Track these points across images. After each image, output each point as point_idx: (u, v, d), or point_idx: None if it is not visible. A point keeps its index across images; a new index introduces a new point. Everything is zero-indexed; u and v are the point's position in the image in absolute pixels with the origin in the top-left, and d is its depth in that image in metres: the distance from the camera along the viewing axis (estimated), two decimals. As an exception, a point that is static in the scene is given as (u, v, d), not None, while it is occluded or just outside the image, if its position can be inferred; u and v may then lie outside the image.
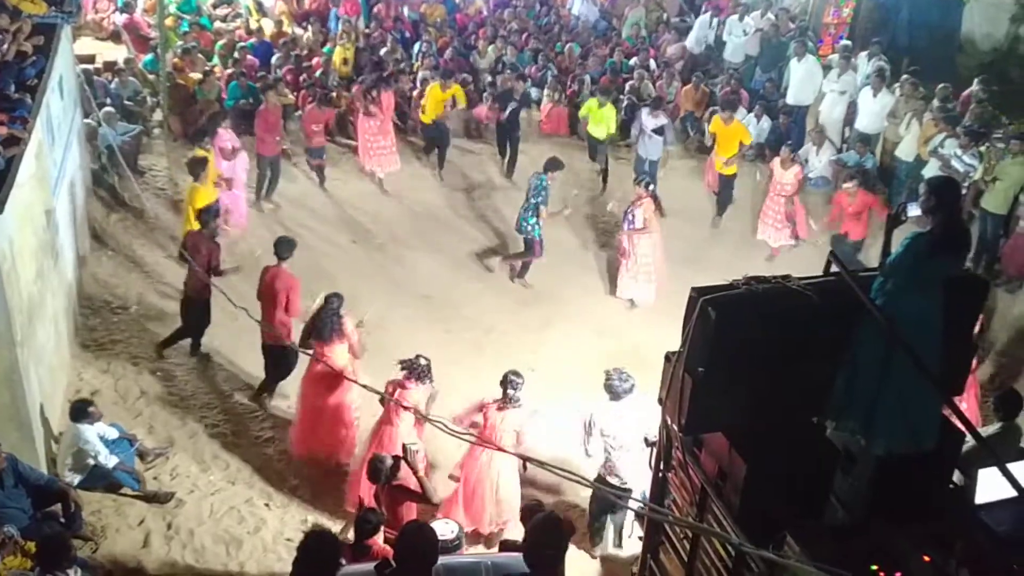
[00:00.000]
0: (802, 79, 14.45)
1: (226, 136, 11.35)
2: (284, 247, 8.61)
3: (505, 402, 7.42)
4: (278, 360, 8.85)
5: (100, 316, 9.95)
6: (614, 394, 7.18)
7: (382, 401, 7.48)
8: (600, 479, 7.30)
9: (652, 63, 16.18)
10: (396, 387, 7.50)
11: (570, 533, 4.85)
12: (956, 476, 5.27)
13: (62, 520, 6.98)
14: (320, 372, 8.08)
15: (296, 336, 8.40)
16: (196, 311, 9.35)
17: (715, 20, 16.69)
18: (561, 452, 8.05)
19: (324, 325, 8.01)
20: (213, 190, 10.27)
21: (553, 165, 10.98)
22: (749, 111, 14.32)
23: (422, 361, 7.53)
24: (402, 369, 7.52)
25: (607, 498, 7.23)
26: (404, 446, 6.74)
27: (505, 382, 7.42)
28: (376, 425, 7.74)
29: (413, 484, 6.68)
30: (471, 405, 7.66)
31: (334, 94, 13.97)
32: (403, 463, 6.70)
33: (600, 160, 13.73)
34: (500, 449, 6.99)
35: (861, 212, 10.77)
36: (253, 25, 16.00)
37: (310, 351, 8.03)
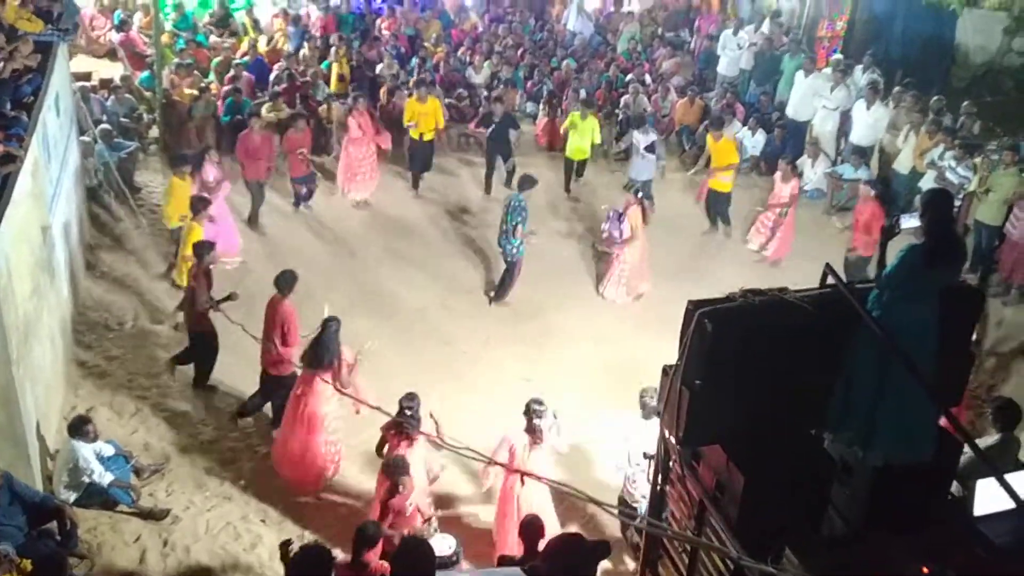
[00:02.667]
0: (804, 94, 14.50)
1: (211, 170, 11.08)
2: (283, 281, 8.48)
3: (533, 436, 7.20)
4: (269, 389, 8.82)
5: (96, 333, 9.93)
6: (647, 411, 7.19)
7: (381, 438, 7.47)
8: (622, 499, 7.38)
9: (647, 77, 16.25)
10: (401, 440, 7.39)
11: (600, 553, 4.66)
12: (954, 487, 5.26)
13: (58, 538, 6.94)
14: (302, 401, 8.05)
15: (295, 366, 8.38)
16: (198, 343, 9.32)
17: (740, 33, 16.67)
18: (568, 466, 8.07)
19: (323, 351, 7.96)
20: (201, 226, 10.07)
21: (527, 183, 10.93)
22: (744, 124, 14.38)
23: (407, 412, 7.31)
24: (390, 430, 7.40)
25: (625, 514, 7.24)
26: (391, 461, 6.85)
27: (529, 412, 7.22)
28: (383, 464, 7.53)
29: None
30: (499, 442, 7.40)
31: (322, 107, 13.93)
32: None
33: (572, 174, 13.78)
34: (526, 473, 6.91)
35: (870, 225, 10.71)
36: (249, 43, 16.02)
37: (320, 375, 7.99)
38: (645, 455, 6.87)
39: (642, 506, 7.18)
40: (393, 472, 6.86)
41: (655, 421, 7.08)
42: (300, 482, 8.26)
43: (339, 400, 8.09)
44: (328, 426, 8.20)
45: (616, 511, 6.90)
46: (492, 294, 11.31)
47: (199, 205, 10.00)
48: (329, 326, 8.00)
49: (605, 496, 7.83)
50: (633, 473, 7.27)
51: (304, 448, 8.14)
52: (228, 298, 9.03)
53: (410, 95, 13.97)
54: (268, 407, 8.97)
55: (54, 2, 10.62)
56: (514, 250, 10.90)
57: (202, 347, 9.28)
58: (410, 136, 13.42)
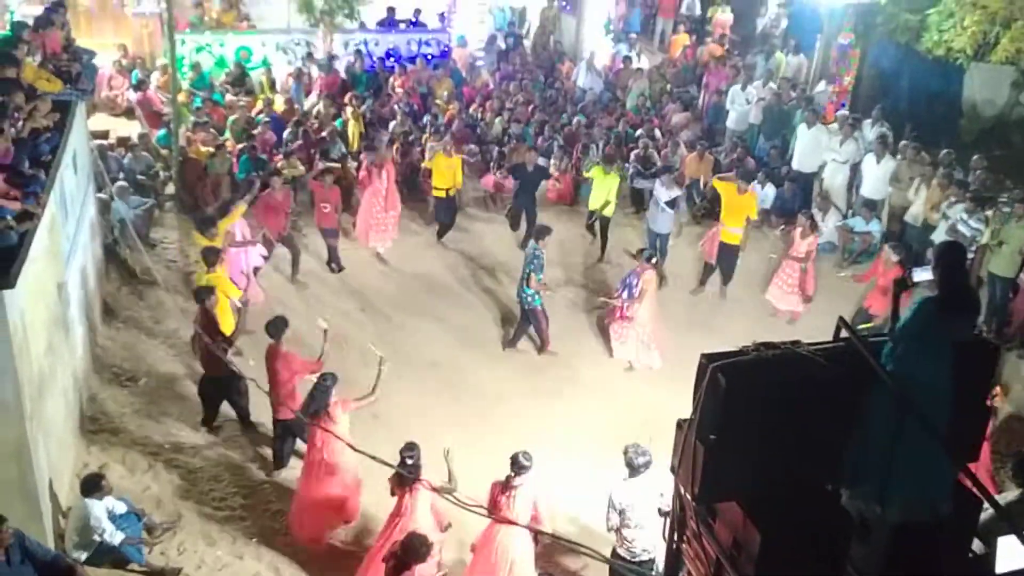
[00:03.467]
0: (808, 146, 14.60)
1: (236, 225, 11.23)
2: (273, 328, 8.77)
3: (508, 486, 7.32)
4: (284, 433, 8.90)
5: (110, 389, 9.96)
6: (633, 469, 7.16)
7: (393, 493, 7.47)
8: (615, 554, 7.26)
9: (657, 132, 16.40)
10: (405, 491, 7.43)
11: None
12: (975, 545, 5.18)
13: (68, 597, 6.90)
14: (317, 457, 8.09)
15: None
16: (212, 387, 9.42)
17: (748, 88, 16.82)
18: (579, 523, 7.98)
19: (316, 402, 8.02)
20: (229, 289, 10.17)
21: (542, 233, 11.04)
22: (753, 179, 14.46)
23: (408, 462, 7.36)
24: (396, 480, 7.43)
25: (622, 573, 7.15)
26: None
27: (513, 463, 7.32)
28: (390, 516, 7.60)
29: None
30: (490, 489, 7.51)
31: (338, 163, 14.08)
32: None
33: (597, 229, 13.74)
34: (512, 523, 6.97)
35: (888, 288, 10.65)
36: (264, 101, 16.25)
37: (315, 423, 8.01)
38: (660, 512, 6.80)
39: (643, 561, 7.11)
40: (409, 554, 6.74)
41: (639, 478, 7.14)
42: (312, 532, 8.23)
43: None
44: (344, 475, 8.18)
45: (620, 566, 6.84)
46: (538, 350, 11.41)
47: (211, 257, 9.98)
48: (325, 380, 8.10)
49: (592, 544, 7.83)
50: (633, 536, 7.17)
51: (330, 499, 8.16)
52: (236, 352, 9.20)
53: (423, 149, 14.18)
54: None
55: (73, 62, 10.86)
56: (530, 299, 10.96)
57: (212, 392, 9.43)
58: (434, 195, 13.58)
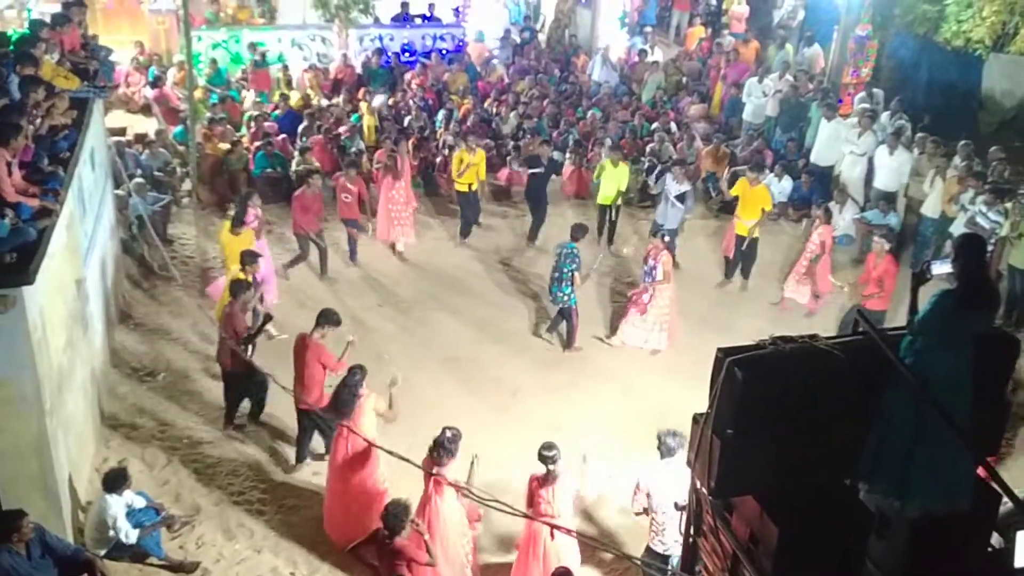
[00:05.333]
0: (828, 139, 14.52)
1: (252, 213, 11.17)
2: (323, 318, 8.71)
3: (547, 479, 7.28)
4: (310, 425, 8.89)
5: (128, 384, 10.02)
6: (667, 449, 7.20)
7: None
8: (648, 550, 7.32)
9: (672, 125, 16.34)
10: (432, 464, 7.39)
11: None
12: (995, 539, 5.14)
13: (88, 591, 6.96)
14: (346, 453, 8.03)
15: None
16: (232, 382, 9.43)
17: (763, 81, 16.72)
18: (600, 516, 7.99)
19: (344, 400, 7.99)
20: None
21: (580, 232, 11.08)
22: (770, 171, 14.39)
23: (448, 434, 7.37)
24: (431, 451, 7.40)
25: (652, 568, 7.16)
26: (414, 521, 6.89)
27: (542, 458, 7.27)
28: (420, 503, 7.56)
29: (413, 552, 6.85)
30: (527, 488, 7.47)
31: (359, 159, 14.10)
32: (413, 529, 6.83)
33: (606, 220, 13.70)
34: (547, 522, 7.00)
35: (883, 279, 10.61)
36: (280, 97, 16.29)
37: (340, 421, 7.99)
38: (676, 506, 6.79)
39: (673, 555, 7.10)
40: (390, 521, 6.83)
41: (670, 461, 7.13)
42: (366, 530, 8.18)
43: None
44: (372, 474, 8.16)
45: (640, 562, 6.84)
46: (564, 347, 11.37)
47: (248, 259, 9.93)
48: (353, 374, 8.04)
49: (632, 545, 7.82)
50: (663, 522, 7.18)
51: (366, 495, 8.09)
52: (263, 326, 9.23)
53: (438, 144, 14.18)
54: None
55: (90, 60, 10.92)
56: (566, 298, 10.99)
57: (232, 388, 9.43)
58: (457, 190, 13.56)
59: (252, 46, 17.38)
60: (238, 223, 10.65)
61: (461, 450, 7.47)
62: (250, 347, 9.26)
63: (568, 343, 11.38)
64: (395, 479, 8.15)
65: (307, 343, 8.63)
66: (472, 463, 7.45)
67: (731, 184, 13.56)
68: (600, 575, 8.07)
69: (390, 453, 6.71)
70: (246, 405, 9.56)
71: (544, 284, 11.71)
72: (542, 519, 7.11)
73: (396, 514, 6.86)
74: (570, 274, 10.84)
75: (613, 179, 13.27)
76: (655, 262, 10.97)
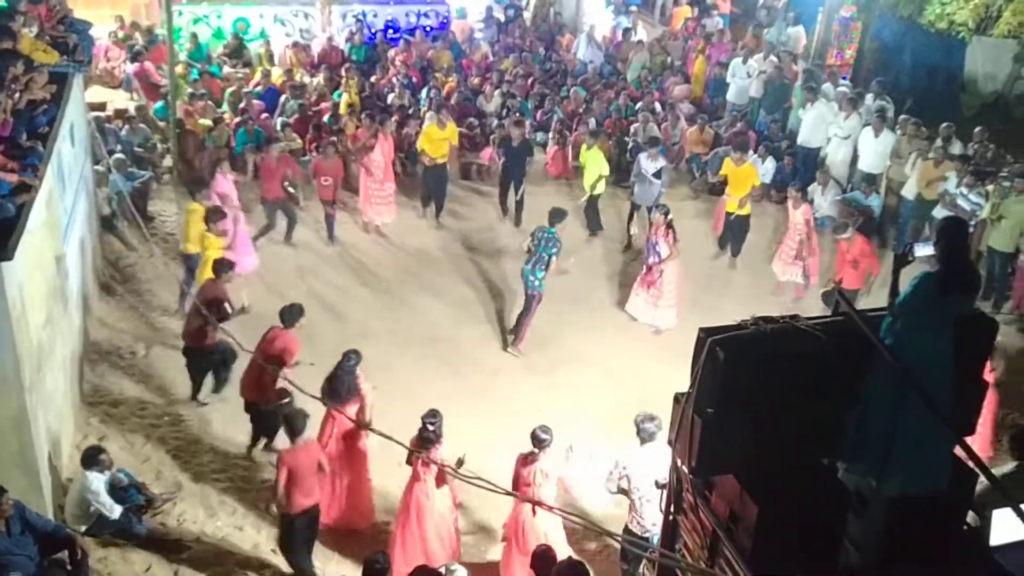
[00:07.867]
0: (814, 121, 14.52)
1: (223, 182, 11.21)
2: (288, 314, 8.61)
3: (529, 460, 7.31)
4: (261, 417, 8.83)
5: (108, 361, 9.97)
6: (647, 434, 7.19)
7: (408, 460, 7.40)
8: (626, 529, 7.32)
9: (657, 105, 16.31)
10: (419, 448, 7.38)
11: None
12: (970, 517, 5.20)
13: (68, 568, 6.94)
14: (335, 438, 8.01)
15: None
16: (195, 359, 9.38)
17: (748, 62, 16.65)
18: (591, 495, 8.10)
19: (340, 384, 7.95)
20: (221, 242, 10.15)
21: (557, 217, 10.76)
22: (754, 152, 14.40)
23: (429, 427, 7.35)
24: (417, 440, 7.39)
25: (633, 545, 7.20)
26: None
27: (534, 439, 7.28)
28: (407, 484, 7.57)
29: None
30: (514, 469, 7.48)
31: (336, 138, 13.96)
32: None
33: (591, 209, 13.59)
34: (529, 500, 7.01)
35: (858, 260, 10.67)
36: (262, 73, 16.15)
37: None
38: (657, 484, 6.82)
39: (653, 536, 7.14)
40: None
41: (651, 446, 7.14)
42: (352, 516, 8.25)
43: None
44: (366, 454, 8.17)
45: (621, 539, 6.88)
46: (511, 337, 11.10)
47: (214, 216, 9.96)
48: (348, 359, 8.01)
49: (611, 526, 7.85)
50: (641, 504, 7.21)
51: (356, 480, 8.13)
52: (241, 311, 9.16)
53: (421, 122, 14.08)
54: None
55: (69, 33, 10.77)
56: (538, 283, 10.69)
57: (196, 365, 9.42)
58: (423, 162, 13.41)
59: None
60: (199, 187, 10.73)
61: (445, 434, 7.51)
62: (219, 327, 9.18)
63: (515, 338, 10.99)
64: (381, 460, 8.17)
65: (283, 336, 8.47)
66: (459, 462, 7.40)
67: (716, 166, 13.57)
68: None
69: (380, 434, 6.68)
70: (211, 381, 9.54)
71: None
72: (526, 499, 7.11)
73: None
74: (548, 258, 10.57)
75: (594, 162, 13.22)
76: (656, 238, 10.96)
